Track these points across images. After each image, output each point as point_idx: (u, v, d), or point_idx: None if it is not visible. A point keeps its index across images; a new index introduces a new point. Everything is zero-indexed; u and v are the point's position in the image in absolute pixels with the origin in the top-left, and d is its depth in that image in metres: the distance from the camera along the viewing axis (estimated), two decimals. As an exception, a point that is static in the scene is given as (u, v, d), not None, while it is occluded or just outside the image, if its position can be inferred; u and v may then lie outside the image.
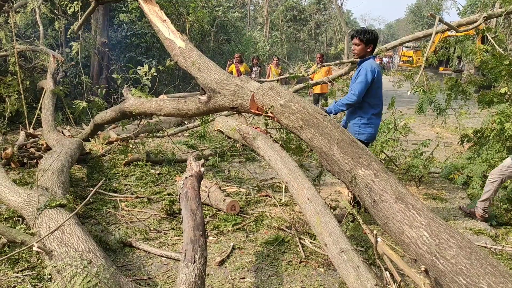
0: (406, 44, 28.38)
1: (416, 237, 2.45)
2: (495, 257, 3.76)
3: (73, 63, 11.16)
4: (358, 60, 4.33)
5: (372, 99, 4.21)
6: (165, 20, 5.36)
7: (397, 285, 2.44)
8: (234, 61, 12.05)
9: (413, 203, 2.61)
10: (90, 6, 6.22)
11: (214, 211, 4.61)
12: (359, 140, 3.92)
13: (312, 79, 10.03)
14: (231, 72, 11.41)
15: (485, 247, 3.93)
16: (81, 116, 9.19)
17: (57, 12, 10.29)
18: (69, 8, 8.34)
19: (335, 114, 4.44)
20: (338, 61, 9.49)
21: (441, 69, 25.01)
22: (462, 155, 6.57)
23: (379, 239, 2.46)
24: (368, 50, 4.22)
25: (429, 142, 5.92)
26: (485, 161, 5.50)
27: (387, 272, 2.68)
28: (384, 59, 34.26)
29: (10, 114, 8.36)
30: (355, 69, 7.21)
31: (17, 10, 9.42)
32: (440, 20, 6.66)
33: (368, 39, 4.16)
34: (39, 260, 3.32)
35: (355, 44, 4.24)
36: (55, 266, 2.25)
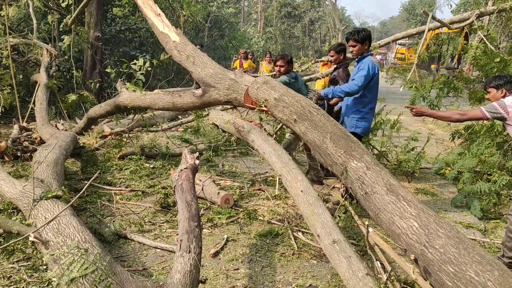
0: (401, 42, 28.51)
1: (406, 227, 2.51)
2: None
3: (66, 57, 11.09)
4: (355, 57, 4.43)
5: (370, 94, 4.38)
6: (159, 14, 5.38)
7: (387, 274, 2.50)
8: (239, 56, 12.12)
9: (403, 195, 2.68)
10: (84, 0, 6.22)
11: (208, 204, 4.64)
12: (354, 133, 4.01)
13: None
14: (235, 68, 11.45)
15: (474, 239, 4.00)
16: (72, 110, 9.16)
17: (51, 5, 10.21)
18: (63, 1, 8.30)
19: (331, 98, 4.52)
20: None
21: (432, 66, 25.13)
22: (453, 150, 6.66)
23: (370, 229, 2.52)
24: (366, 47, 4.34)
25: (417, 136, 6.02)
26: (475, 157, 5.60)
27: (378, 262, 2.75)
28: (377, 56, 34.40)
29: (3, 109, 8.31)
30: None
31: (10, 3, 9.35)
32: (433, 17, 6.76)
33: (363, 37, 4.29)
34: (35, 251, 3.35)
35: (352, 46, 4.35)
36: (52, 255, 2.28)
